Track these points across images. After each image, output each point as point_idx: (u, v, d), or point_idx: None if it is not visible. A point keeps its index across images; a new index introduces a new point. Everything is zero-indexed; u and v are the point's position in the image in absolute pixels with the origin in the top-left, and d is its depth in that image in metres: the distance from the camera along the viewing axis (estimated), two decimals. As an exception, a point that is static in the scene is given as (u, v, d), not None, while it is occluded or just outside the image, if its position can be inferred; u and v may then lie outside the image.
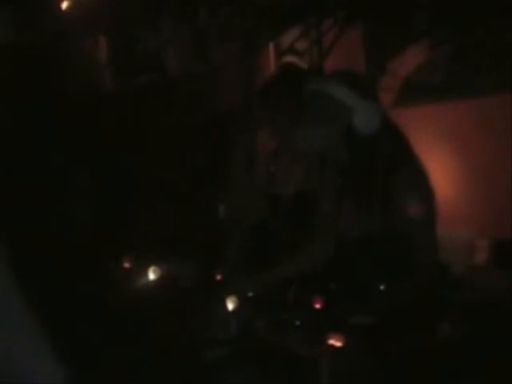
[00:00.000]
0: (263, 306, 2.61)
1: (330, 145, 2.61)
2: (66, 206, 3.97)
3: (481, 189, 3.82)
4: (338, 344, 2.32)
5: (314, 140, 2.64)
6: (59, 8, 4.19)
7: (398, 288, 2.54)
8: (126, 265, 3.06)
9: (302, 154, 3.05)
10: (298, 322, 2.47)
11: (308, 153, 2.95)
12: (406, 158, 2.60)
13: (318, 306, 2.51)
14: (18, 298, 1.54)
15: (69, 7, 4.19)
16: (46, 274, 3.10)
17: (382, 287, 2.57)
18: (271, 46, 4.52)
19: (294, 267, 2.82)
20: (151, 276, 2.91)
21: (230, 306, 2.59)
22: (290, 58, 4.25)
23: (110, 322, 2.77)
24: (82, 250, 3.49)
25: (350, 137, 2.54)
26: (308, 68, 3.99)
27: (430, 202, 2.59)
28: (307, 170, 3.09)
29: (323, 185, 2.82)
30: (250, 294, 2.69)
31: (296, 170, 3.16)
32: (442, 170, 3.62)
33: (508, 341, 2.41)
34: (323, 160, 2.79)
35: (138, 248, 3.19)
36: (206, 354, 2.53)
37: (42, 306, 1.58)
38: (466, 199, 3.88)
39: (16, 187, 3.61)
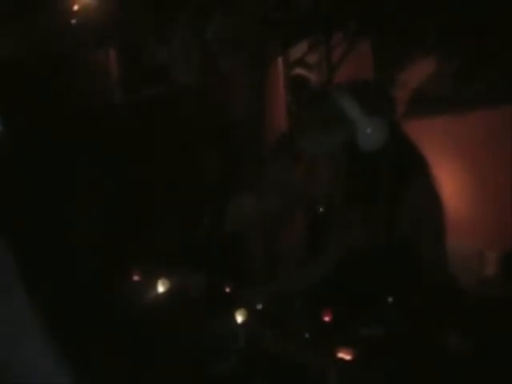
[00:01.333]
0: (272, 319, 2.61)
1: (331, 154, 2.62)
2: (75, 217, 3.97)
3: (490, 201, 3.81)
4: (348, 357, 2.32)
5: (313, 146, 2.65)
6: (68, 20, 4.21)
7: (407, 300, 2.54)
8: (135, 277, 3.06)
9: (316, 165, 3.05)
10: (307, 335, 2.47)
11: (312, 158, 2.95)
12: (417, 170, 2.60)
13: (327, 318, 2.51)
14: (26, 306, 1.55)
15: (78, 19, 4.21)
16: (55, 286, 3.11)
17: (391, 299, 2.56)
18: (280, 59, 4.53)
19: (303, 278, 2.83)
20: (160, 288, 2.91)
21: (239, 318, 2.58)
22: (299, 71, 4.25)
23: (119, 335, 2.77)
24: (90, 262, 3.49)
25: (352, 150, 2.55)
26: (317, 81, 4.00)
27: (439, 214, 2.59)
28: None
29: (331, 197, 2.83)
30: (260, 307, 2.68)
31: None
32: (451, 183, 3.61)
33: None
34: (329, 170, 2.79)
35: (147, 261, 3.19)
36: (215, 367, 2.52)
37: (49, 319, 1.58)
38: (474, 211, 3.87)
39: (25, 200, 3.62)
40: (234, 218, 3.24)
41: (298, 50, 4.14)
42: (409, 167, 2.61)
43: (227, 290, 2.88)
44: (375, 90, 2.66)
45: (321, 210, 2.96)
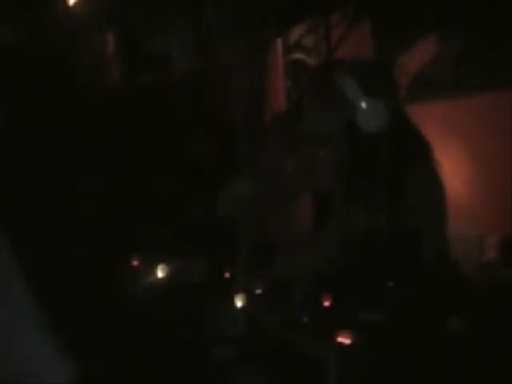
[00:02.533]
0: (272, 304, 2.60)
1: (331, 135, 2.61)
2: (75, 204, 3.97)
3: (490, 186, 3.80)
4: (347, 342, 2.31)
5: (313, 125, 2.64)
6: (66, 5, 4.19)
7: (408, 285, 2.53)
8: (135, 263, 3.06)
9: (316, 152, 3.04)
10: (306, 320, 2.46)
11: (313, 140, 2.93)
12: (419, 155, 2.59)
13: (327, 303, 2.50)
14: (26, 295, 1.54)
15: (75, 5, 4.19)
16: (55, 273, 3.10)
17: (391, 284, 2.55)
18: (279, 43, 4.51)
19: (303, 263, 2.82)
20: (159, 274, 2.91)
21: (239, 303, 2.58)
22: (297, 56, 4.24)
23: (119, 320, 2.77)
24: (90, 249, 3.49)
25: (352, 133, 2.53)
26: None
27: (441, 200, 2.58)
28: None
29: (331, 182, 2.82)
30: (259, 292, 2.68)
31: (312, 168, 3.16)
32: (452, 168, 3.60)
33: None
34: (329, 155, 2.78)
35: (147, 246, 3.18)
36: (215, 352, 2.52)
37: (49, 305, 1.58)
38: (475, 197, 3.87)
39: (24, 185, 3.62)
40: (227, 203, 3.23)
41: (297, 35, 4.12)
42: (410, 152, 2.59)
43: (226, 275, 2.88)
44: (375, 70, 2.64)
45: (321, 195, 2.95)
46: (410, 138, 2.61)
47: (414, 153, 2.59)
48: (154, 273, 2.91)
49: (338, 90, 2.52)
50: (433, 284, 2.51)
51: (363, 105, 2.49)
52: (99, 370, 2.32)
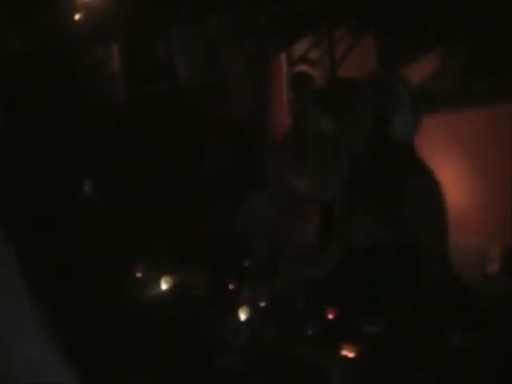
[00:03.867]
0: (276, 316, 2.61)
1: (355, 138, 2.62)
2: (78, 214, 3.98)
3: (493, 198, 3.81)
4: (351, 355, 2.32)
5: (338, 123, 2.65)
6: (72, 18, 4.22)
7: (410, 298, 2.54)
8: (138, 274, 3.06)
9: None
10: (310, 332, 2.47)
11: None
12: (418, 167, 2.60)
13: (331, 316, 2.51)
14: (29, 302, 1.55)
15: (82, 17, 4.22)
16: (58, 283, 3.11)
17: (394, 297, 2.56)
18: (283, 55, 4.53)
19: (306, 276, 2.83)
20: (163, 286, 2.91)
21: (243, 315, 2.59)
22: (302, 67, 4.25)
23: (122, 332, 2.77)
24: (94, 259, 3.50)
25: (381, 140, 2.55)
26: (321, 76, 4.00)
27: (442, 212, 2.59)
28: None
29: (340, 193, 2.83)
30: (263, 305, 2.69)
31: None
32: (454, 179, 3.62)
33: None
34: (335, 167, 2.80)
35: (151, 257, 3.19)
36: (218, 364, 2.53)
37: (51, 316, 1.59)
38: (477, 208, 3.88)
39: (28, 196, 3.63)
40: (247, 217, 3.24)
41: (301, 49, 4.14)
42: (411, 165, 2.61)
43: (230, 287, 2.88)
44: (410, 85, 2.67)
45: (326, 207, 2.96)
46: (411, 152, 2.63)
47: (413, 166, 2.61)
48: (158, 285, 2.91)
49: (390, 83, 2.55)
50: (435, 296, 2.52)
51: (408, 109, 2.52)
52: (99, 379, 2.32)
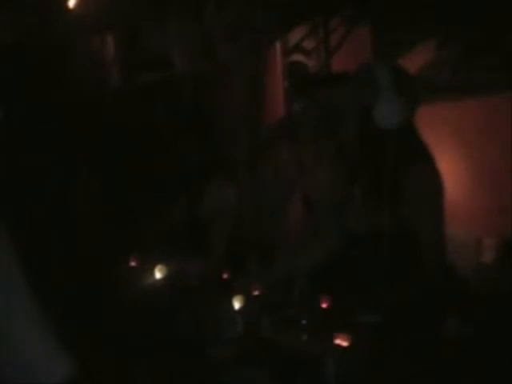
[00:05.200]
0: (270, 305, 2.60)
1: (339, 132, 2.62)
2: (71, 204, 3.97)
3: (488, 188, 3.80)
4: (345, 344, 2.31)
5: (328, 99, 2.65)
6: (65, 6, 4.20)
7: (405, 286, 2.53)
8: (132, 263, 3.06)
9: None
10: (304, 321, 2.47)
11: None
12: (418, 156, 2.60)
13: (324, 305, 2.51)
14: (25, 296, 1.54)
15: (75, 5, 4.20)
16: (51, 273, 3.10)
17: (389, 285, 2.56)
18: (278, 45, 4.51)
19: (301, 264, 2.83)
20: (157, 275, 2.91)
21: (237, 304, 2.58)
22: (297, 57, 4.24)
23: (116, 320, 2.76)
24: (88, 249, 3.49)
25: (365, 127, 2.54)
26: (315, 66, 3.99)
27: (440, 202, 2.59)
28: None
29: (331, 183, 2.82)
30: (257, 293, 2.68)
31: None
32: (449, 170, 3.60)
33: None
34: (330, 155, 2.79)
35: (145, 247, 3.18)
36: (212, 353, 2.52)
37: (47, 305, 1.58)
38: (473, 198, 3.87)
39: (23, 185, 3.61)
40: (210, 204, 3.24)
41: (296, 37, 4.12)
42: (410, 153, 2.60)
43: (225, 276, 2.88)
44: (407, 73, 2.66)
45: (319, 196, 2.95)
46: (411, 140, 2.62)
47: (413, 154, 2.60)
48: (152, 274, 2.91)
49: (371, 73, 2.54)
50: (431, 286, 2.51)
51: (389, 96, 2.51)
52: (98, 369, 2.31)
